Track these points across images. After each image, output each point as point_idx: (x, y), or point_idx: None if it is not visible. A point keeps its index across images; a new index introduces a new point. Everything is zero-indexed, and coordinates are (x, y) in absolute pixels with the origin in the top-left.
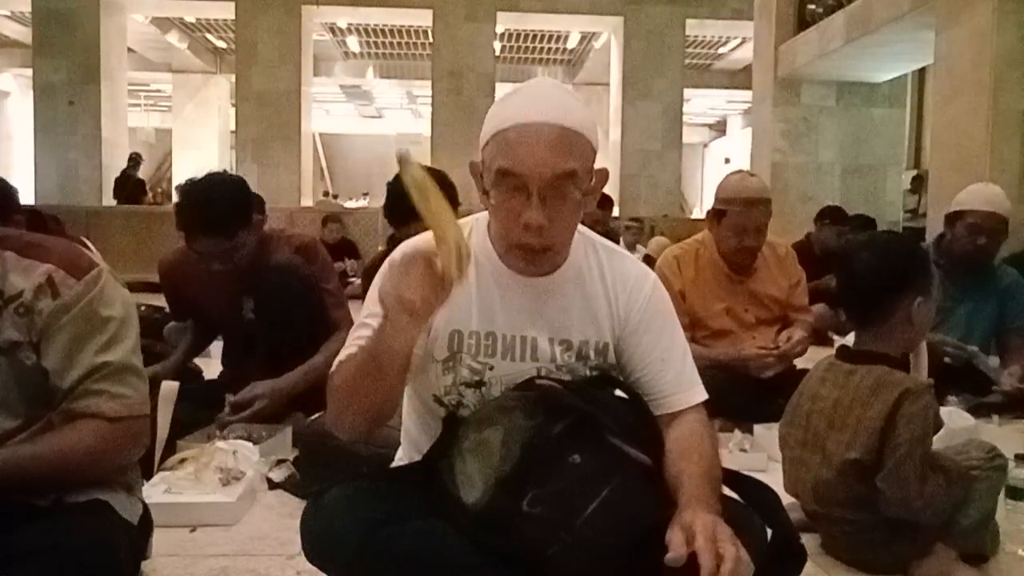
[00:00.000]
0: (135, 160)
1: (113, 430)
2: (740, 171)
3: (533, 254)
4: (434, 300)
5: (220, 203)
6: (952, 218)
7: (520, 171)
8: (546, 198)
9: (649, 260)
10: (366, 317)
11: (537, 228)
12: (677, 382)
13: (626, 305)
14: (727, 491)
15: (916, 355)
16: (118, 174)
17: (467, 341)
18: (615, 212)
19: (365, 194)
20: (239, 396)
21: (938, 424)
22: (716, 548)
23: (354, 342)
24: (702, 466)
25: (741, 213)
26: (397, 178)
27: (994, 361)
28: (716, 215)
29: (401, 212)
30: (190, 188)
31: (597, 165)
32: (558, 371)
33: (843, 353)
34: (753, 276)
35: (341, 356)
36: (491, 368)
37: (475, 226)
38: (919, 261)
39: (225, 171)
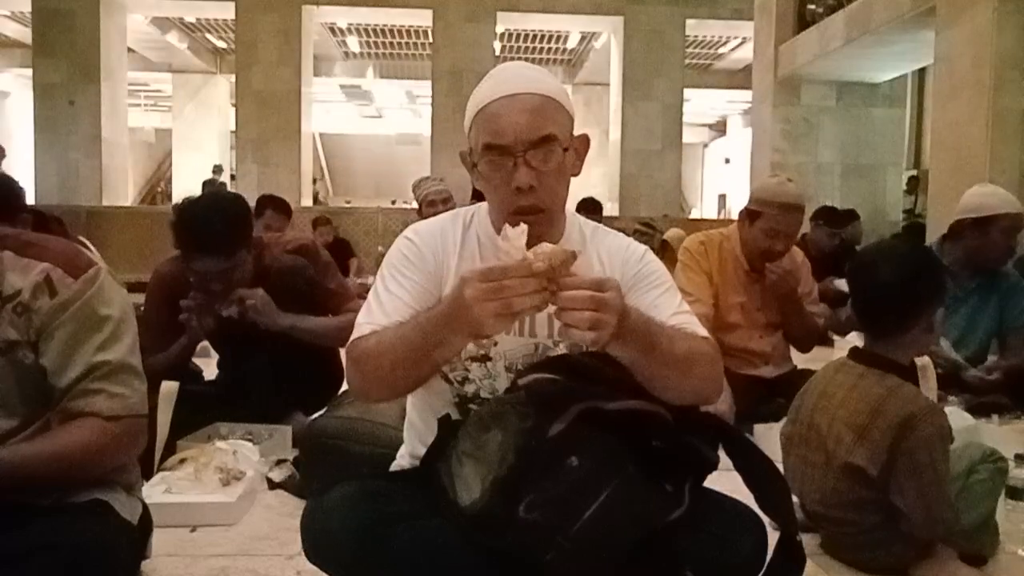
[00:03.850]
0: (219, 168)
1: (111, 429)
2: (778, 175)
3: (529, 216)
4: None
5: (219, 223)
6: (983, 223)
7: (503, 141)
8: (531, 161)
9: (664, 245)
10: (393, 289)
11: (528, 189)
12: (675, 320)
13: (621, 267)
14: (725, 491)
15: (924, 375)
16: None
17: None
18: (615, 213)
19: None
20: (243, 292)
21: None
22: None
23: (383, 318)
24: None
25: (775, 217)
26: None
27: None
28: (749, 215)
29: None
30: (188, 208)
31: (592, 158)
32: (555, 347)
33: (855, 354)
34: None
35: (371, 325)
36: (495, 343)
37: (477, 211)
38: (938, 275)
39: (224, 189)
